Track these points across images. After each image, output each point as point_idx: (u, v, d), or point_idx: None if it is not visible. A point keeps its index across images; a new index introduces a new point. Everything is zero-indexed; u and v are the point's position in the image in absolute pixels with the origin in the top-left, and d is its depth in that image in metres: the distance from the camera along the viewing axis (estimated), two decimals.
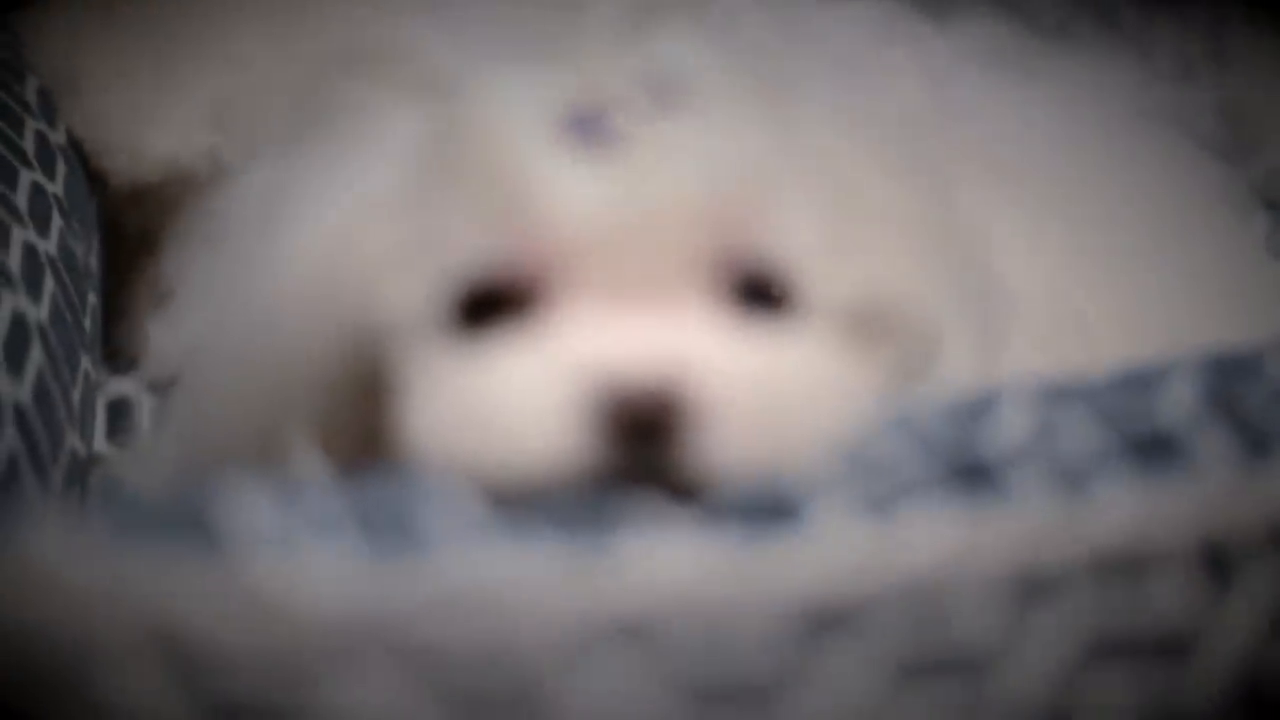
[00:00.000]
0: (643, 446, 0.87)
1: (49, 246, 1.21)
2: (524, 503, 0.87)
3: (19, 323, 1.12)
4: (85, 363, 1.22)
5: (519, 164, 0.91)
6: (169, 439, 1.06)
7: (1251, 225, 1.40)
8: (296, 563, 0.78)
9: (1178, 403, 0.89)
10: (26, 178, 1.28)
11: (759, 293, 0.94)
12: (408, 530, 0.81)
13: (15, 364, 1.09)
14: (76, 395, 1.19)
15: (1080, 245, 1.28)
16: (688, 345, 0.89)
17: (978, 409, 0.89)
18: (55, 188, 1.33)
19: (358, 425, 0.99)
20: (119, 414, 1.39)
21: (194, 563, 0.77)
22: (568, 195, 0.90)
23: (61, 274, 1.21)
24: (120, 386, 1.40)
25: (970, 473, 0.85)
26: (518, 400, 0.88)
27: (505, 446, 0.88)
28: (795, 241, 0.94)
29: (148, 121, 1.46)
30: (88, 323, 1.29)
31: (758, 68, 0.97)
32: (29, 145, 1.33)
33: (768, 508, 0.83)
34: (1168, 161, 1.38)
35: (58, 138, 1.40)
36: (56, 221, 1.25)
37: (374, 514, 0.82)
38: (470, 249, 0.92)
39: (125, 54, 1.47)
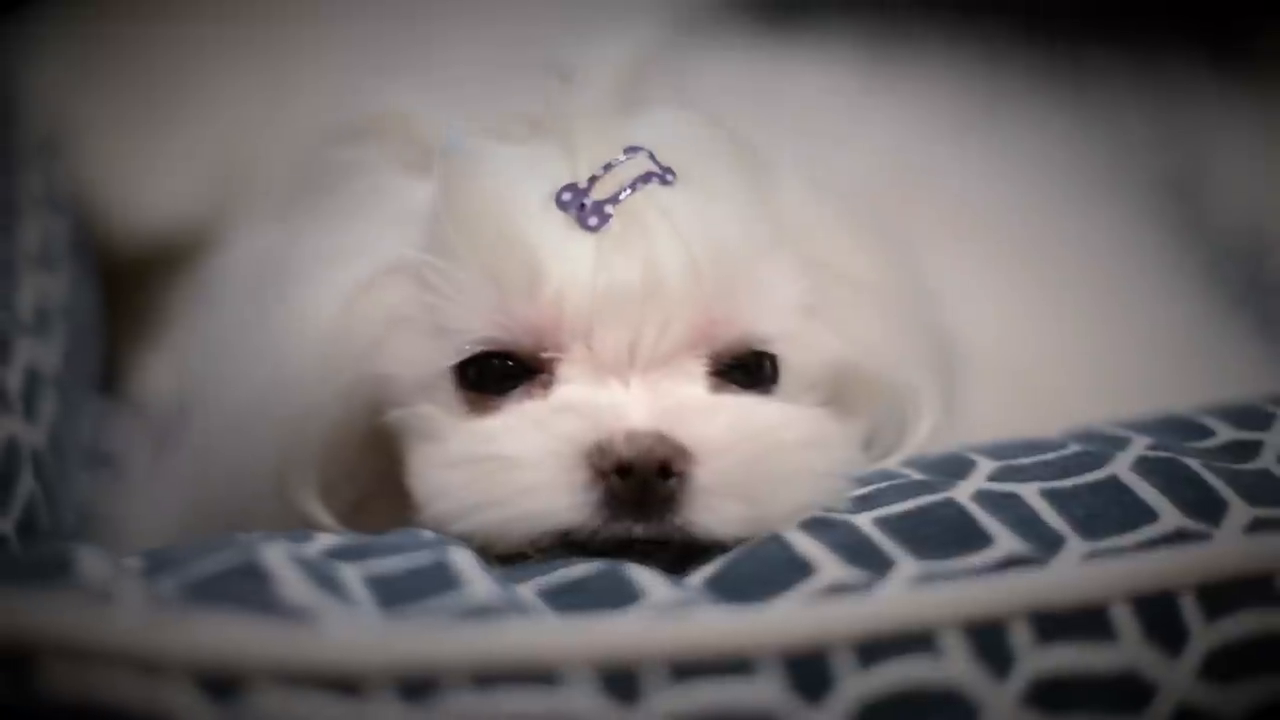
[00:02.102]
0: (635, 510, 0.93)
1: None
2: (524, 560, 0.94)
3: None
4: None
5: (520, 239, 0.97)
6: (170, 489, 1.11)
7: (1198, 286, 1.46)
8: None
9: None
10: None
11: (742, 361, 1.00)
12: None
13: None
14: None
15: (1037, 302, 1.35)
16: (678, 413, 0.95)
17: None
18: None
19: (365, 477, 1.05)
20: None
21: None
22: (566, 269, 0.97)
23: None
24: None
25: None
26: (517, 465, 0.94)
27: (506, 509, 0.94)
28: (775, 311, 1.00)
29: (148, 171, 1.51)
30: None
31: (736, 146, 1.03)
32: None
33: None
34: (1123, 227, 1.45)
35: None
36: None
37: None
38: (474, 317, 0.98)
39: (123, 101, 1.52)
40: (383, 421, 1.02)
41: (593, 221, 0.97)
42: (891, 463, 1.03)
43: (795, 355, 1.01)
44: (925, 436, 1.04)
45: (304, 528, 1.01)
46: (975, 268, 1.34)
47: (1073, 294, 1.37)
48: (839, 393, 1.05)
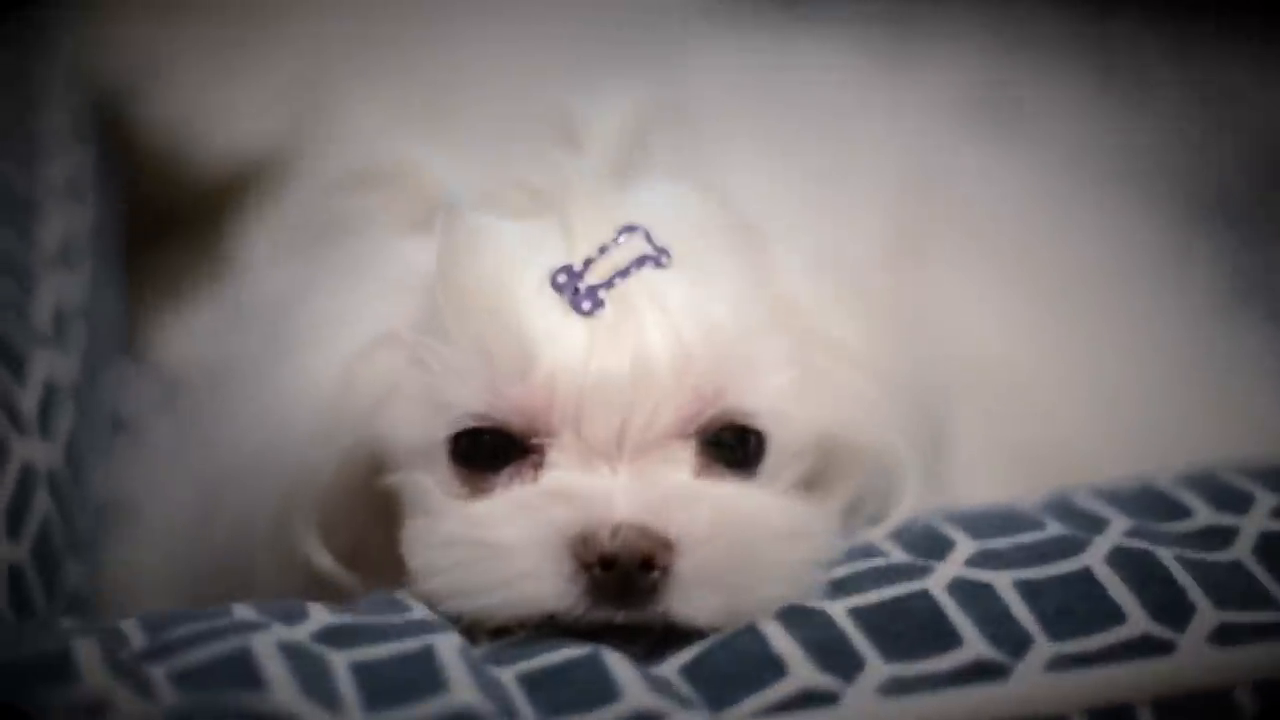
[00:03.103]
0: (617, 599, 0.97)
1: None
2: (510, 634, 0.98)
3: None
4: None
5: (514, 322, 0.99)
6: (166, 552, 1.15)
7: (1207, 279, 1.47)
8: None
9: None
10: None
11: (729, 438, 1.03)
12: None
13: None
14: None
15: (1044, 315, 1.36)
16: (662, 503, 0.98)
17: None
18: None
19: (363, 524, 1.09)
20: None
21: None
22: (558, 355, 0.99)
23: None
24: None
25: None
26: (505, 553, 0.98)
27: (494, 595, 0.98)
28: (765, 389, 1.03)
29: (227, 107, 1.53)
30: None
31: (731, 220, 1.05)
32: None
33: None
34: (1134, 220, 1.45)
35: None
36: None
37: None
38: (466, 393, 1.01)
39: (203, 42, 1.55)
40: (381, 483, 1.05)
41: (586, 306, 0.99)
42: (874, 535, 1.05)
43: (782, 431, 1.04)
44: (908, 511, 1.06)
45: (304, 567, 1.06)
46: (983, 279, 1.36)
47: (1077, 304, 1.39)
48: (825, 461, 1.07)
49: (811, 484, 1.07)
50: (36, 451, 1.15)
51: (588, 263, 1.00)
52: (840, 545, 1.03)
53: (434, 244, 1.05)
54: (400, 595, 1.02)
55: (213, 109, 1.54)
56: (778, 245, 1.07)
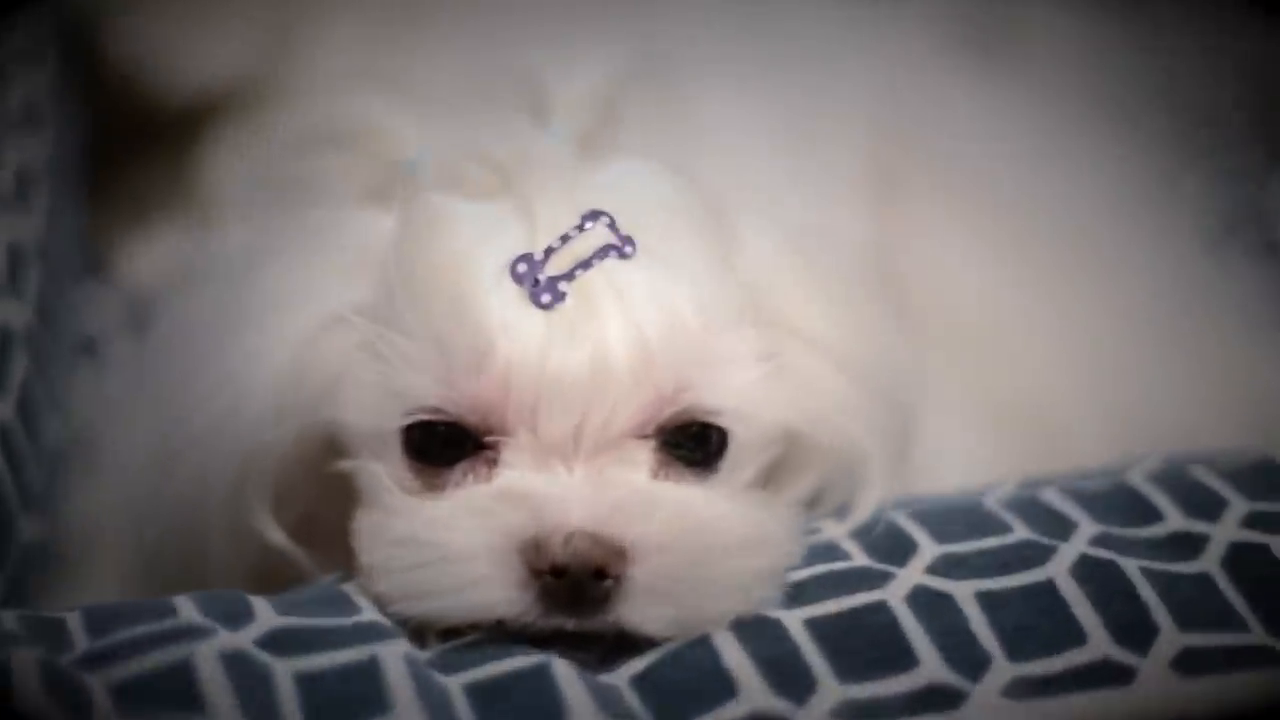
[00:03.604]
0: (569, 607, 0.95)
1: None
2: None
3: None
4: None
5: (471, 312, 0.97)
6: (126, 501, 1.13)
7: (1192, 218, 1.44)
8: None
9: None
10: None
11: (691, 438, 1.00)
12: None
13: None
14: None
15: (1026, 262, 1.33)
16: (617, 508, 0.96)
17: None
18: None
19: (315, 498, 1.07)
20: None
21: None
22: (515, 349, 0.96)
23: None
24: None
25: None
26: (456, 559, 0.96)
27: (443, 600, 0.96)
28: (729, 386, 1.00)
29: (195, 38, 1.49)
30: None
31: (700, 204, 1.01)
32: None
33: None
34: (1123, 166, 1.41)
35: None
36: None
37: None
38: (420, 383, 0.98)
39: None
40: (335, 465, 1.03)
41: (545, 299, 0.96)
42: (838, 534, 1.03)
43: (745, 428, 1.01)
44: (872, 505, 1.04)
45: (257, 538, 1.05)
46: (962, 228, 1.33)
47: (1060, 253, 1.36)
48: (788, 452, 1.04)
49: (772, 474, 1.05)
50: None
51: (548, 252, 0.97)
52: (800, 550, 1.00)
53: (392, 217, 1.03)
54: (348, 589, 1.00)
55: (180, 39, 1.49)
56: (748, 226, 1.04)
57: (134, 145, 1.55)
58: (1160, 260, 1.37)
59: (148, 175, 1.56)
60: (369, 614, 0.97)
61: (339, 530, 1.04)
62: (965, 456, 1.24)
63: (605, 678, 0.95)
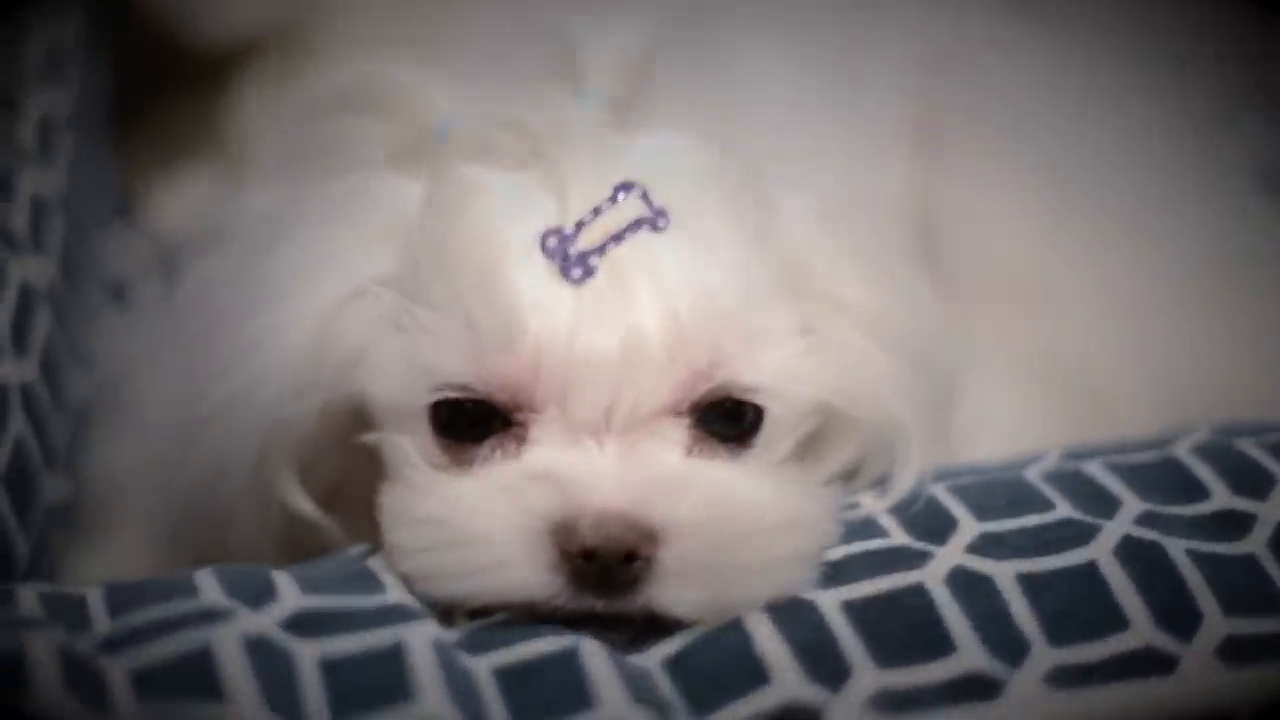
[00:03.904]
0: (599, 589, 0.93)
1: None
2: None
3: None
4: None
5: (500, 287, 0.94)
6: (151, 457, 1.11)
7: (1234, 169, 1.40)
8: None
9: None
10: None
11: (726, 415, 0.98)
12: None
13: None
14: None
15: (1070, 216, 1.30)
16: (649, 488, 0.94)
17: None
18: None
19: (342, 468, 1.05)
20: None
21: None
22: (545, 326, 0.94)
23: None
24: None
25: None
26: (484, 540, 0.93)
27: (471, 581, 0.94)
28: (765, 363, 0.97)
29: None
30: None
31: (736, 174, 0.98)
32: None
33: None
34: (1167, 116, 1.38)
35: None
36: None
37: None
38: (448, 359, 0.96)
39: None
40: (360, 436, 1.01)
41: (576, 274, 0.94)
42: (876, 509, 1.00)
43: (781, 404, 0.99)
44: (911, 479, 1.01)
45: (281, 507, 1.03)
46: (1004, 175, 1.30)
47: (1103, 200, 1.33)
48: (827, 424, 1.02)
49: (810, 446, 1.02)
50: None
51: (580, 225, 0.94)
52: (837, 530, 0.98)
53: (420, 185, 1.00)
54: (374, 565, 0.98)
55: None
56: (787, 194, 1.01)
57: (162, 90, 1.53)
58: (1208, 213, 1.33)
59: (176, 120, 1.54)
60: (395, 593, 0.95)
61: (365, 498, 1.02)
62: (1008, 417, 1.21)
63: (636, 659, 0.93)
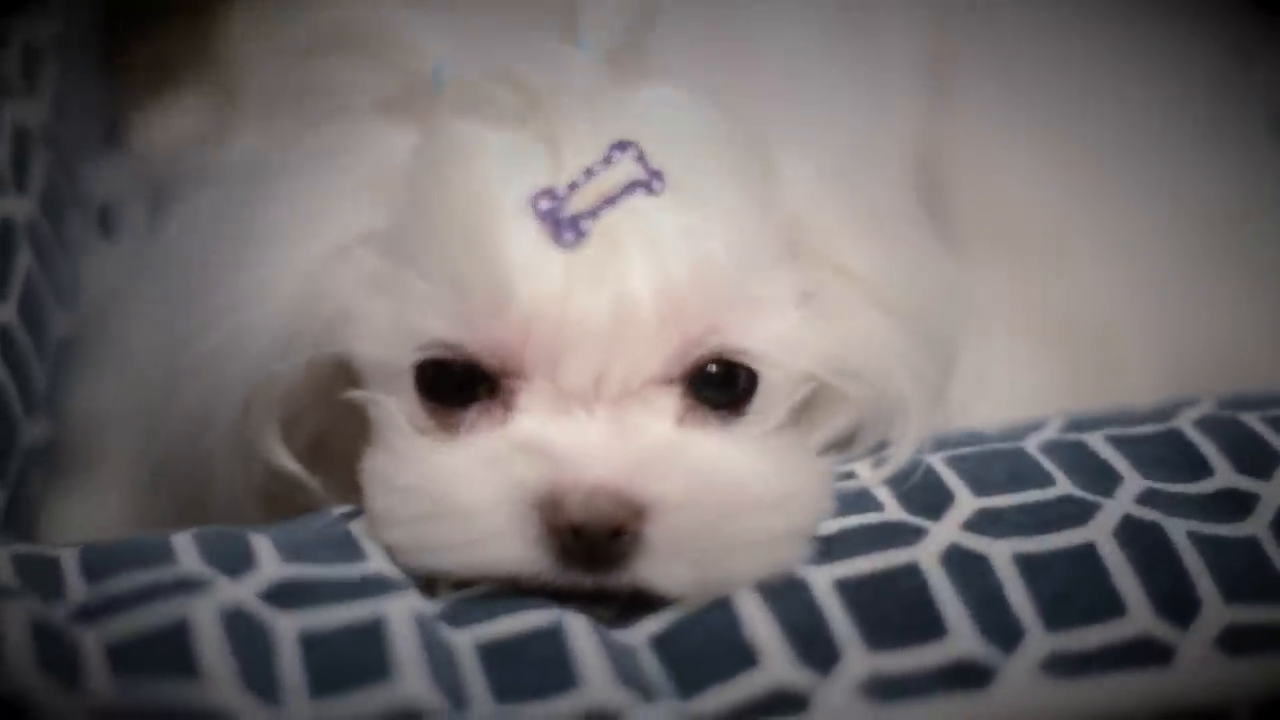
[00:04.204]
0: (585, 563, 0.91)
1: None
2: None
3: None
4: None
5: (490, 250, 0.92)
6: (132, 402, 1.09)
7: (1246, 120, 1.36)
8: None
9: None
10: None
11: (718, 380, 0.95)
12: None
13: None
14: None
15: (1082, 167, 1.27)
16: (638, 460, 0.91)
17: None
18: None
19: (325, 421, 1.03)
20: None
21: None
22: (535, 291, 0.91)
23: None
24: None
25: None
26: (469, 513, 0.91)
27: (455, 554, 0.92)
28: (761, 332, 0.95)
29: None
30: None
31: (736, 135, 0.96)
32: None
33: None
34: (1184, 63, 1.34)
35: None
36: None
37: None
38: (435, 319, 0.93)
39: None
40: (345, 393, 0.98)
41: (568, 238, 0.91)
42: (872, 480, 0.98)
43: (777, 371, 0.96)
44: (909, 449, 0.99)
45: (263, 461, 1.01)
46: (1017, 124, 1.27)
47: (1117, 152, 1.30)
48: (823, 390, 1.00)
49: (804, 411, 1.00)
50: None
51: (572, 186, 0.91)
52: (832, 504, 0.96)
53: (410, 134, 0.98)
54: (355, 530, 0.96)
55: None
56: (789, 155, 0.98)
57: (153, 13, 1.48)
58: (1222, 165, 1.30)
59: (167, 44, 1.50)
60: (376, 562, 0.93)
61: (347, 454, 1.00)
62: (1015, 376, 1.19)
63: (622, 635, 0.91)
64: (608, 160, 0.92)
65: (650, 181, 0.92)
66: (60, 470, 1.17)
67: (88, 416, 1.18)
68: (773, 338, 0.95)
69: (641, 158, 0.92)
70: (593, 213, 0.91)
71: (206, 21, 1.43)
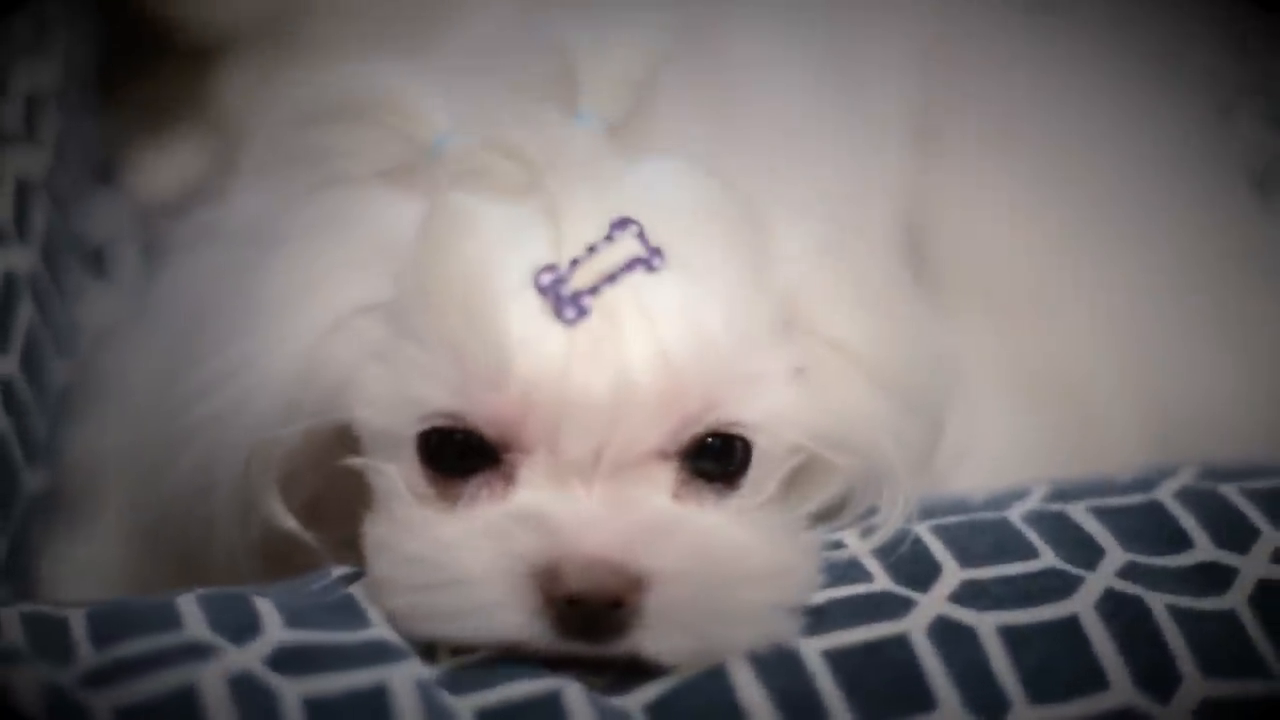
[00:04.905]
0: (583, 633, 0.93)
1: None
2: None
3: None
4: None
5: (491, 324, 0.93)
6: (130, 445, 1.10)
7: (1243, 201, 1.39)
8: None
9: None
10: None
11: (715, 454, 0.98)
12: None
13: None
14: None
15: (1067, 223, 1.30)
16: (636, 534, 0.93)
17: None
18: None
19: (324, 483, 1.04)
20: None
21: None
22: (535, 366, 0.93)
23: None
24: None
25: None
26: (470, 583, 0.93)
27: (455, 623, 0.94)
28: (757, 405, 0.97)
29: None
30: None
31: (734, 209, 0.98)
32: None
33: None
34: (1166, 117, 1.37)
35: None
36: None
37: None
38: (437, 391, 0.95)
39: None
40: (346, 459, 1.00)
41: (569, 314, 0.93)
42: (860, 550, 1.00)
43: (772, 442, 0.98)
44: (897, 520, 1.01)
45: (262, 520, 1.03)
46: (1001, 179, 1.29)
47: (1099, 208, 1.32)
48: (811, 460, 1.02)
49: (793, 482, 1.02)
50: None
51: (574, 263, 0.93)
52: (821, 577, 0.98)
53: (411, 203, 0.99)
54: (356, 593, 0.98)
55: None
56: (785, 227, 1.00)
57: (148, 57, 1.50)
58: (1210, 219, 1.33)
59: (162, 87, 1.52)
60: (378, 628, 0.95)
61: (345, 512, 1.02)
62: (998, 437, 1.21)
63: (618, 702, 0.93)
64: (609, 238, 0.94)
65: (650, 259, 0.94)
66: (59, 515, 1.19)
67: (84, 461, 1.20)
68: (768, 411, 0.97)
69: (642, 235, 0.94)
70: (594, 289, 0.93)
71: (203, 67, 1.44)
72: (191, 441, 1.02)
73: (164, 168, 1.49)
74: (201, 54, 1.47)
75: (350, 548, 1.02)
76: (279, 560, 1.04)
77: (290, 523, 1.03)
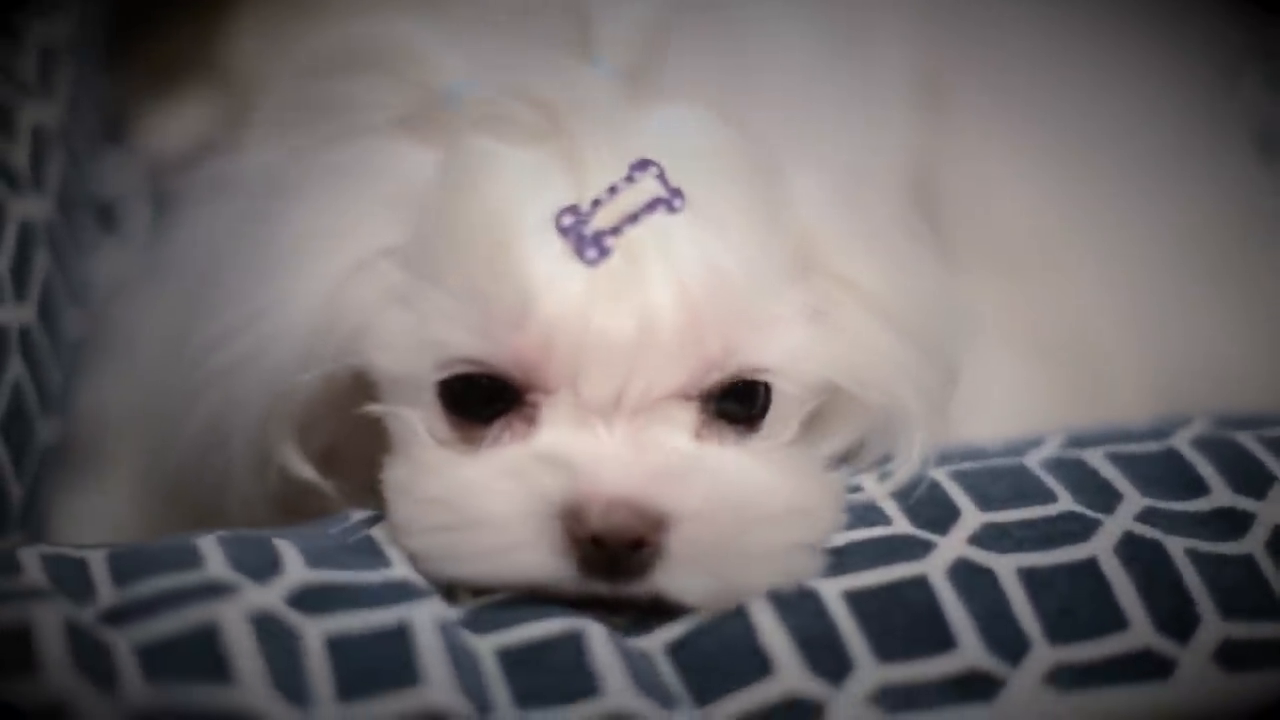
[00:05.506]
0: (605, 573, 0.93)
1: None
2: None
3: None
4: None
5: (513, 265, 0.93)
6: (142, 398, 1.10)
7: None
8: None
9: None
10: None
11: (735, 390, 0.98)
12: None
13: None
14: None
15: (1075, 182, 1.30)
16: (658, 474, 0.94)
17: None
18: None
19: (342, 431, 1.04)
20: None
21: None
22: (557, 306, 0.93)
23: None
24: None
25: None
26: (492, 525, 0.93)
27: (478, 564, 0.94)
28: (776, 347, 0.97)
29: None
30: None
31: (751, 153, 0.98)
32: None
33: None
34: (1181, 79, 1.37)
35: None
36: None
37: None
38: (459, 333, 0.95)
39: None
40: (365, 406, 1.00)
41: (591, 255, 0.93)
42: (878, 493, 1.01)
43: (792, 385, 0.99)
44: (914, 463, 1.01)
45: (279, 469, 1.03)
46: (1008, 138, 1.30)
47: (1105, 167, 1.32)
48: (830, 403, 1.02)
49: (812, 424, 1.02)
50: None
51: (596, 204, 0.93)
52: (843, 517, 0.98)
53: (429, 152, 1.00)
54: (378, 535, 0.98)
55: None
56: (798, 172, 1.00)
57: (159, 13, 1.49)
58: (1209, 181, 1.33)
59: (173, 42, 1.51)
60: (399, 569, 0.95)
61: (362, 460, 1.02)
62: (1008, 391, 1.22)
63: (639, 642, 0.93)
64: (629, 179, 0.94)
65: (671, 200, 0.94)
66: (71, 468, 1.19)
67: (97, 413, 1.20)
68: (786, 353, 0.97)
69: (662, 176, 0.94)
70: (615, 230, 0.93)
71: (214, 22, 1.44)
72: (207, 392, 1.02)
73: (174, 124, 1.49)
74: (212, 10, 1.46)
75: (367, 495, 1.01)
76: (295, 510, 1.04)
77: (307, 471, 1.03)
